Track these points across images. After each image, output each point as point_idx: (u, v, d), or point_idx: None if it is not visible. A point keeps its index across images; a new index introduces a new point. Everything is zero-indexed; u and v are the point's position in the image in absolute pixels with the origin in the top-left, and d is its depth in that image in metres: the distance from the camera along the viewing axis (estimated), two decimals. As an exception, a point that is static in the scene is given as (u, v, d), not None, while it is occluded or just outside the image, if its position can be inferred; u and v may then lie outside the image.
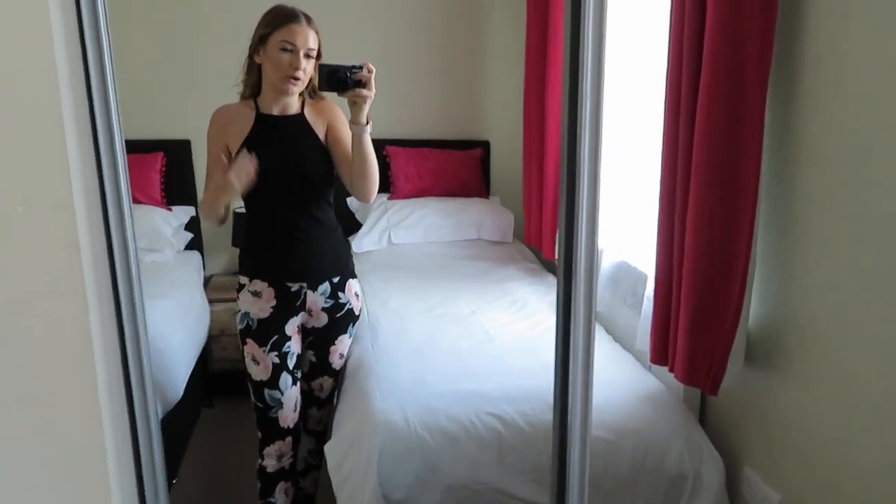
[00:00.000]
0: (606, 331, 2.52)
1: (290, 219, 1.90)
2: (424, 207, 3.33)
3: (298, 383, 2.01)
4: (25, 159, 0.73)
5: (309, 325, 2.01)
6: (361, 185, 1.87)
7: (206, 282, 3.37)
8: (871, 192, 1.37)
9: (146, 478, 1.01)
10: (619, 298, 2.52)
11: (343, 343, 2.07)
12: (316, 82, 1.85)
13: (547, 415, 1.86)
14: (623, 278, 2.50)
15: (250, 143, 1.85)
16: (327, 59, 1.84)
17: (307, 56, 1.80)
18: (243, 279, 1.95)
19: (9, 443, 0.87)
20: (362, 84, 1.73)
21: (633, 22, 2.49)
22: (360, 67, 1.73)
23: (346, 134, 1.88)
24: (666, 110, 1.80)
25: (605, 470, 1.80)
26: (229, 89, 1.94)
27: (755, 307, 1.74)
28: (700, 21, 1.63)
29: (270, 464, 1.98)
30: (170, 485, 2.21)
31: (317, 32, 1.83)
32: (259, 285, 1.92)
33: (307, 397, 2.09)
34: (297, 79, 1.80)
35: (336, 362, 2.08)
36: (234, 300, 2.00)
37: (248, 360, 1.94)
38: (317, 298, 1.96)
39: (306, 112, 1.93)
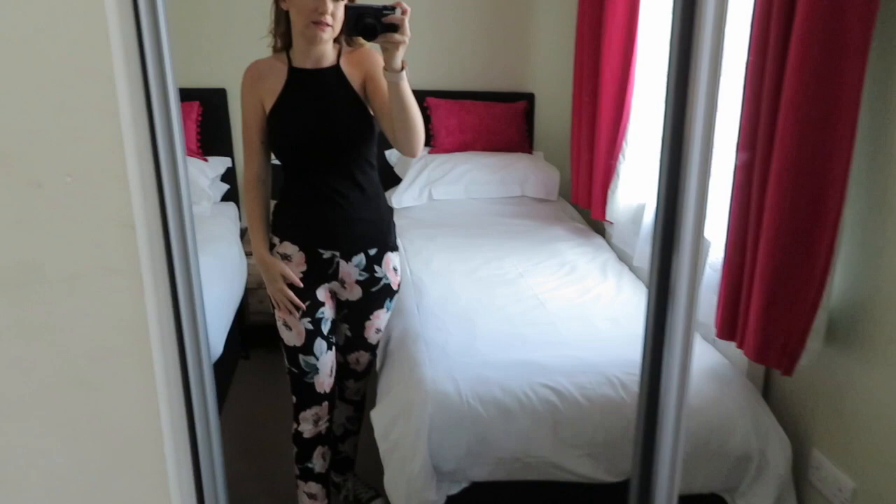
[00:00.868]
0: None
1: (326, 181, 1.74)
2: (466, 162, 3.20)
3: (333, 348, 1.91)
4: (74, 123, 0.64)
5: (343, 298, 1.87)
6: (404, 138, 1.66)
7: (242, 234, 3.31)
8: None
9: (203, 461, 0.94)
10: None
11: (379, 318, 1.92)
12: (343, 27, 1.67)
13: (603, 388, 1.78)
14: None
15: (283, 102, 1.71)
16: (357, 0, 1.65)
17: None
18: (274, 239, 1.82)
19: (61, 408, 0.80)
20: (395, 28, 1.50)
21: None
22: (392, 9, 1.50)
23: (385, 83, 1.66)
24: (748, 70, 1.64)
25: None
26: (265, 38, 1.78)
27: (837, 284, 1.61)
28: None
29: (307, 429, 1.91)
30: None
31: None
32: (289, 248, 1.79)
33: (343, 369, 2.00)
34: (325, 24, 1.62)
35: (372, 337, 1.94)
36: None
37: (279, 325, 1.85)
38: (350, 270, 1.81)
39: (342, 63, 1.73)
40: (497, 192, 3.20)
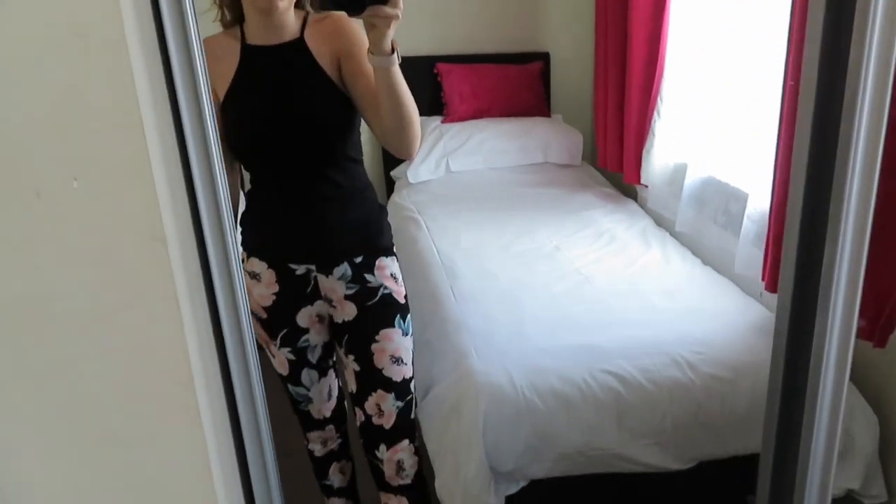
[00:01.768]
0: (693, 253, 2.26)
1: (294, 182, 1.41)
2: (483, 130, 3.01)
3: (330, 371, 1.60)
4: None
5: (338, 320, 1.49)
6: (397, 137, 1.30)
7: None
8: None
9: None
10: (706, 217, 2.27)
11: (392, 341, 1.45)
12: None
13: (670, 371, 1.62)
14: (711, 196, 2.26)
15: (235, 89, 1.36)
16: None
17: None
18: (243, 254, 1.49)
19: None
20: None
21: None
22: None
23: (369, 65, 1.26)
24: None
25: (721, 409, 1.61)
26: (209, 11, 1.37)
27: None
28: None
29: (316, 448, 1.68)
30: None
31: None
32: (257, 265, 1.45)
33: (366, 432, 1.51)
34: None
35: (389, 368, 1.45)
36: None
37: (262, 343, 1.55)
38: (334, 285, 1.45)
39: (308, 35, 1.36)
40: (518, 160, 3.01)
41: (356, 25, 1.30)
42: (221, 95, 1.36)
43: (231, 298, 0.57)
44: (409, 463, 1.50)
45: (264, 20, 1.33)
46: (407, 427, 1.49)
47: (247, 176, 1.49)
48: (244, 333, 0.63)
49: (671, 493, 1.69)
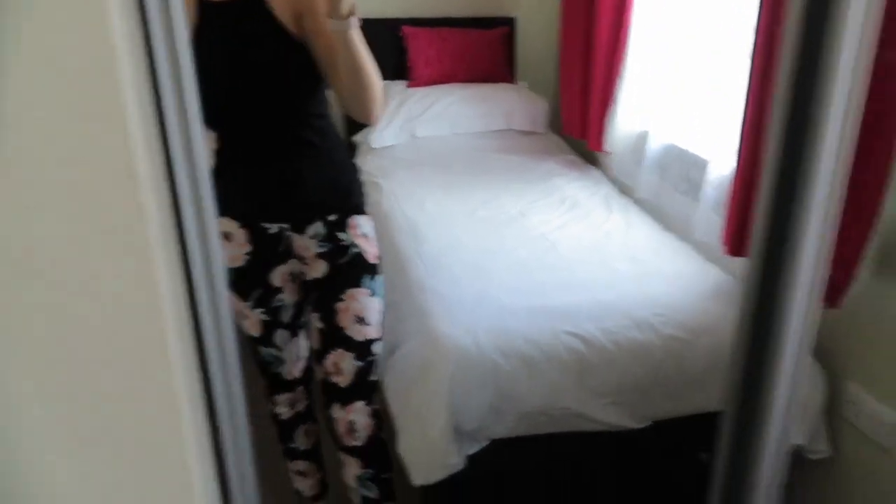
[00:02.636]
0: (655, 220, 2.30)
1: (262, 140, 1.41)
2: (449, 95, 2.99)
3: (301, 332, 1.61)
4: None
5: (309, 277, 1.49)
6: (357, 102, 1.30)
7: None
8: None
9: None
10: (667, 184, 2.31)
11: (357, 301, 1.45)
12: None
13: (632, 332, 1.66)
14: (673, 163, 2.29)
15: (195, 48, 1.36)
16: None
17: None
18: None
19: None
20: None
21: None
22: None
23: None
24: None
25: (679, 369, 1.66)
26: None
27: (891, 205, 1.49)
28: None
29: (284, 411, 1.69)
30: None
31: None
32: (228, 224, 1.44)
33: (324, 389, 1.53)
34: None
35: (351, 328, 1.45)
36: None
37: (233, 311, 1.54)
38: (307, 243, 1.45)
39: None
40: (483, 126, 3.00)
41: None
42: None
43: (205, 249, 0.56)
44: (363, 424, 1.51)
45: None
46: (364, 388, 1.50)
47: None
48: (215, 279, 0.63)
49: (628, 451, 1.74)
